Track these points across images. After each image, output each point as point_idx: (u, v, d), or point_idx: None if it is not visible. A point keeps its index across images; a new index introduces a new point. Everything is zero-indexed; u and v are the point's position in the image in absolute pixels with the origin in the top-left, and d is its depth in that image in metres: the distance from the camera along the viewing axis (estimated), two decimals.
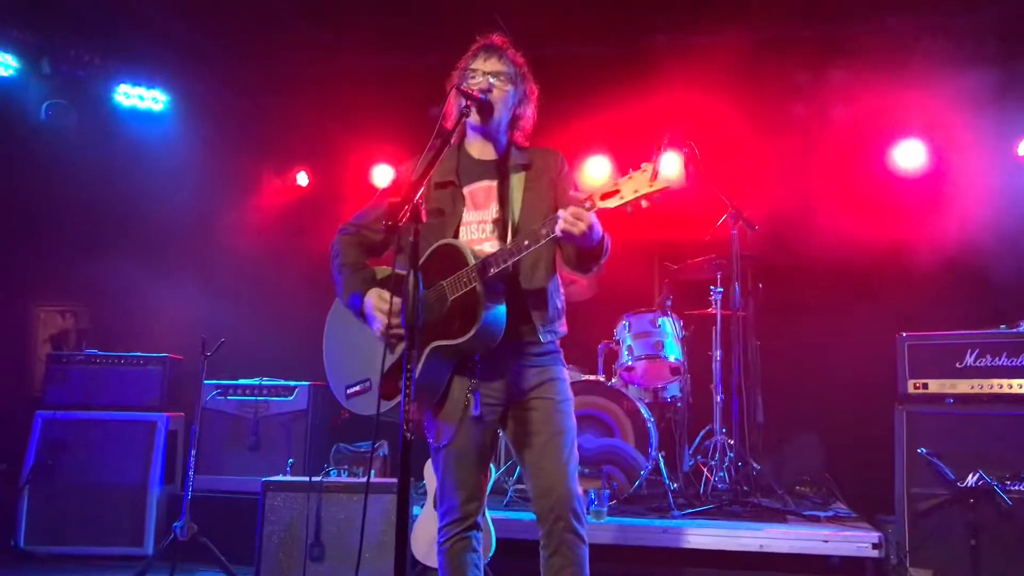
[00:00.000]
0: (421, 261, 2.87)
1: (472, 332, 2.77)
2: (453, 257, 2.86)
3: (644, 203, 2.64)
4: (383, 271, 3.08)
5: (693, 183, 5.38)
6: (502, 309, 2.85)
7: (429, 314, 2.86)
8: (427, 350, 2.85)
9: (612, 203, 2.65)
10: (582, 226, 2.65)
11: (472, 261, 2.81)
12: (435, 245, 2.91)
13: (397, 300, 2.81)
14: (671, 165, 6.40)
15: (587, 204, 2.67)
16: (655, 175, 2.59)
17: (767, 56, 6.10)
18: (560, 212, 2.68)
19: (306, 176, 7.45)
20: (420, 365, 2.84)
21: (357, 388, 3.03)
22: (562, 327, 3.06)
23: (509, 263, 2.79)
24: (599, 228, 2.74)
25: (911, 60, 5.68)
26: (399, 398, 2.84)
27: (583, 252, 2.85)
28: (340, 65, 6.71)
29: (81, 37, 6.24)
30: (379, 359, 2.87)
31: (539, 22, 5.81)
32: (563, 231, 2.67)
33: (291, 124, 7.17)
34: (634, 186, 2.62)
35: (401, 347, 2.87)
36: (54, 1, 5.83)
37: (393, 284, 2.92)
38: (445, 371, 2.93)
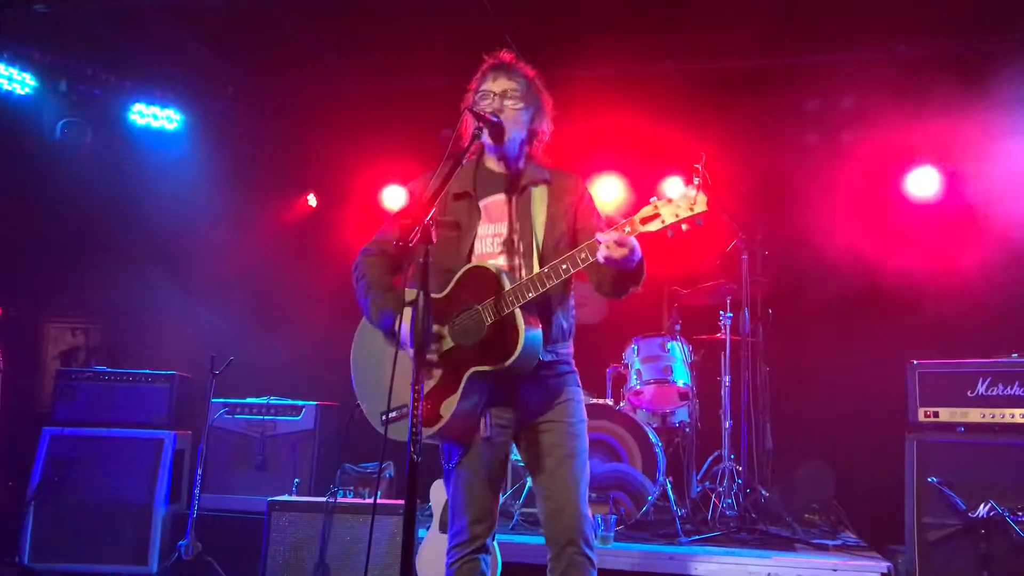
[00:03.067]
0: (451, 284, 2.89)
1: (513, 357, 2.74)
2: (487, 280, 2.84)
3: (684, 227, 2.64)
4: (411, 294, 3.04)
5: (701, 182, 5.41)
6: (539, 333, 2.84)
7: (465, 338, 2.83)
8: (466, 375, 2.80)
9: (653, 227, 2.65)
10: (624, 251, 2.65)
11: (508, 285, 2.80)
12: (464, 268, 2.90)
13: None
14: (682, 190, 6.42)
15: (627, 228, 2.67)
16: (695, 200, 2.60)
17: (778, 82, 6.13)
18: (600, 237, 2.67)
19: (315, 197, 7.50)
20: (459, 392, 2.79)
21: (394, 415, 2.92)
22: (565, 348, 3.04)
23: (546, 288, 2.77)
24: (639, 251, 2.73)
25: (923, 87, 5.70)
26: (440, 424, 2.80)
27: (622, 275, 2.84)
28: (350, 88, 6.76)
29: (98, 57, 6.31)
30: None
31: (548, 43, 5.87)
32: (605, 257, 2.66)
33: (302, 145, 7.23)
34: (674, 210, 2.63)
35: (438, 373, 2.85)
36: (71, 21, 5.90)
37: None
38: (483, 396, 2.88)
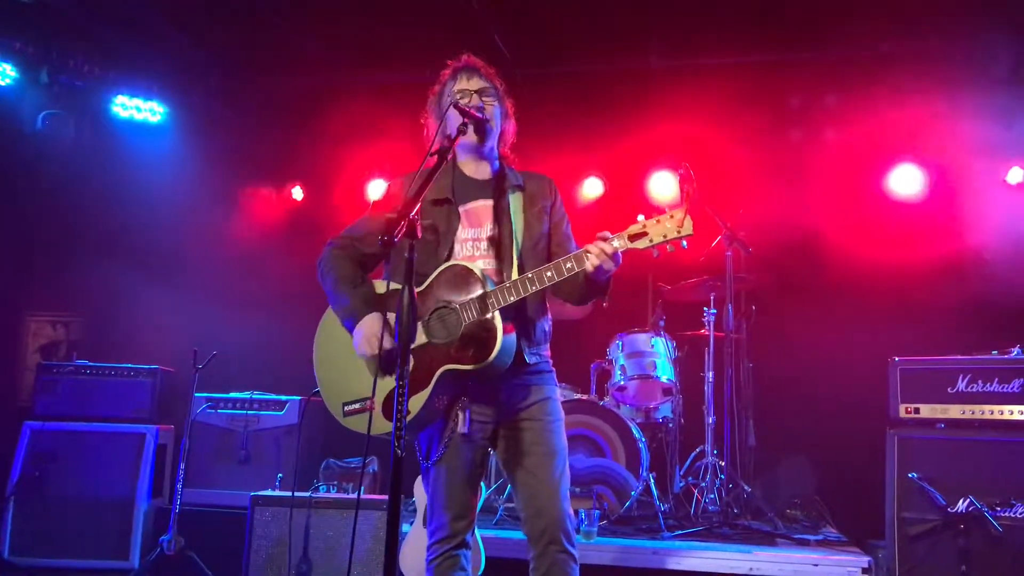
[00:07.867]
0: (429, 280, 2.89)
1: (490, 359, 2.76)
2: (467, 280, 2.84)
3: (670, 248, 2.71)
4: (381, 285, 3.03)
5: (688, 204, 5.43)
6: (513, 339, 2.86)
7: (440, 335, 2.83)
8: (438, 373, 2.81)
9: (640, 245, 2.72)
10: (611, 264, 2.72)
11: (490, 287, 2.81)
12: (444, 265, 2.90)
13: (392, 317, 2.78)
14: (667, 187, 6.46)
15: (616, 243, 2.71)
16: (682, 223, 2.67)
17: (762, 79, 6.14)
18: (589, 248, 2.72)
19: (300, 190, 7.47)
20: (430, 388, 2.80)
21: (357, 406, 2.94)
22: (546, 350, 3.07)
23: (529, 293, 2.79)
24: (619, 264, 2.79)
25: (906, 86, 5.73)
26: (407, 418, 2.80)
27: (594, 287, 2.87)
28: (335, 80, 6.73)
29: (80, 47, 6.25)
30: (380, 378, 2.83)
31: (531, 39, 5.87)
32: (594, 267, 2.72)
33: (286, 137, 7.18)
34: (662, 231, 2.69)
35: (408, 368, 2.84)
36: (54, 11, 5.84)
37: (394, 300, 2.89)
38: (451, 393, 2.89)
